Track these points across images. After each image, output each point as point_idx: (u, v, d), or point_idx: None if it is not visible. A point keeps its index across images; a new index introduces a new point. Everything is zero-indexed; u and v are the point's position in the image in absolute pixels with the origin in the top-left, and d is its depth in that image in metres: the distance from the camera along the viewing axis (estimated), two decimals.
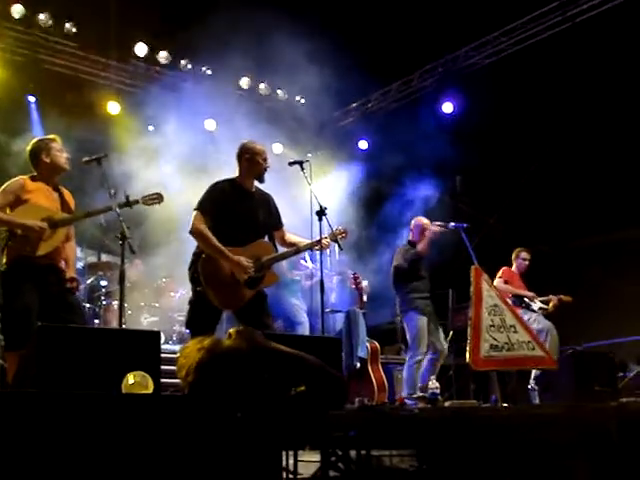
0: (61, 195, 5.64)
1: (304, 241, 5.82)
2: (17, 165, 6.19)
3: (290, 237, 5.80)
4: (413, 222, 8.03)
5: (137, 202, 5.59)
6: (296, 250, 5.76)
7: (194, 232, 5.34)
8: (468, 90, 10.66)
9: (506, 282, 8.63)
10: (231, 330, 2.96)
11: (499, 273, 8.71)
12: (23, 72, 9.56)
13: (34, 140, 5.66)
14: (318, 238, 5.75)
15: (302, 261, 9.84)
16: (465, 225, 7.47)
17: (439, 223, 7.66)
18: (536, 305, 8.50)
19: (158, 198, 5.76)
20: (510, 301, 8.38)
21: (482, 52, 10.70)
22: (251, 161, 5.55)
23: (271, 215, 5.69)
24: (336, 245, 6.04)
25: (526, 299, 8.51)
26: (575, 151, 9.77)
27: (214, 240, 5.27)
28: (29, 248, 5.24)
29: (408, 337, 7.67)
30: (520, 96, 9.74)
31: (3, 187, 5.37)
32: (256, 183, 5.67)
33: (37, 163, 5.53)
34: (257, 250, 5.43)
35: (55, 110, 9.22)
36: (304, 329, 8.72)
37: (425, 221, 7.89)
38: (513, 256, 8.97)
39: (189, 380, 2.77)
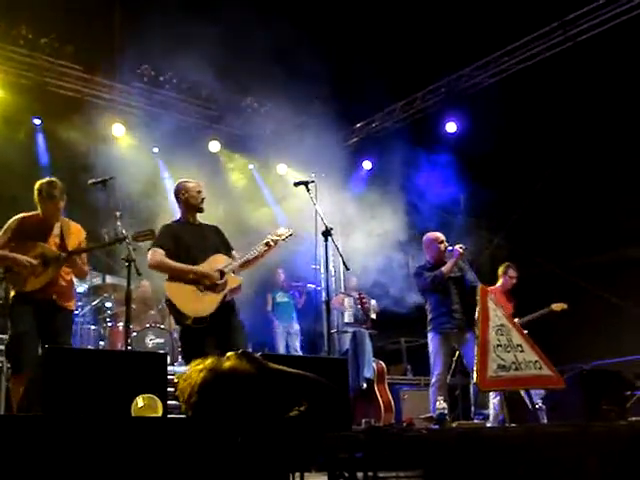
0: (63, 231, 5.80)
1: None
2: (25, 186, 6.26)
3: (235, 254, 6.15)
4: (426, 239, 7.90)
5: (125, 239, 5.68)
6: (249, 257, 6.06)
7: (153, 264, 5.76)
8: (471, 110, 10.68)
9: None
10: (229, 353, 2.96)
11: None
12: (29, 95, 9.61)
13: (38, 183, 5.80)
14: (265, 240, 6.10)
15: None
16: (466, 246, 7.44)
17: (461, 245, 7.52)
18: None
19: (150, 235, 5.84)
20: None
21: (485, 72, 10.76)
22: (188, 198, 5.99)
23: (222, 242, 6.13)
24: (342, 265, 6.08)
25: None
26: (579, 169, 9.76)
27: (173, 263, 5.67)
28: (21, 283, 5.49)
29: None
30: (523, 115, 9.76)
31: (5, 226, 5.66)
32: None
33: (37, 202, 5.75)
34: (214, 262, 5.83)
35: (60, 132, 9.28)
36: None
37: (439, 236, 7.80)
38: (500, 272, 8.76)
39: (192, 401, 2.76)
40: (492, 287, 8.56)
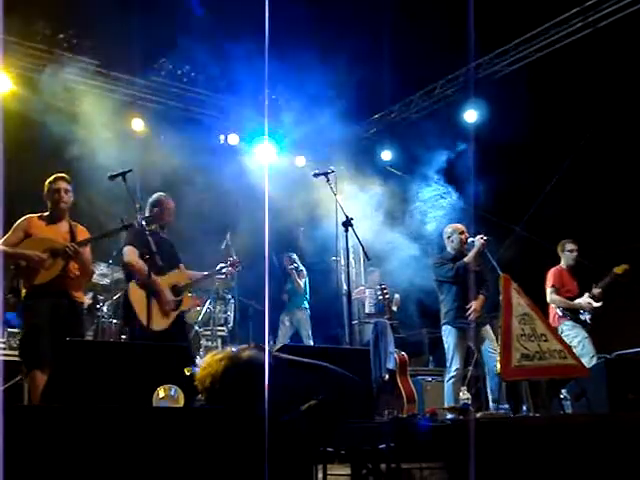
0: (72, 228, 5.99)
1: (200, 274, 6.84)
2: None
3: (188, 273, 6.73)
4: (447, 229, 7.86)
5: (130, 225, 5.91)
6: (205, 275, 6.87)
7: (128, 263, 6.23)
8: (491, 98, 10.59)
9: (559, 290, 8.30)
10: (244, 345, 2.96)
11: (548, 279, 8.40)
12: (46, 90, 9.62)
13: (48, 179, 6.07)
14: (219, 267, 6.86)
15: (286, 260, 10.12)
16: (487, 237, 7.37)
17: (482, 236, 7.46)
18: (586, 315, 8.23)
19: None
20: (560, 312, 8.21)
21: (504, 60, 10.66)
22: (161, 213, 6.54)
23: (174, 255, 6.61)
24: (362, 255, 6.12)
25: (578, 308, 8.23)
26: (601, 158, 9.65)
27: (146, 270, 5.91)
28: (32, 277, 5.65)
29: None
30: (544, 103, 9.65)
31: (14, 226, 5.84)
32: None
33: (46, 200, 6.05)
34: (175, 278, 6.35)
35: (79, 127, 9.30)
36: None
37: (460, 227, 7.75)
38: (559, 249, 8.63)
39: (216, 389, 2.75)
40: (555, 267, 8.45)
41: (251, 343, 3.07)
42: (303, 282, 10.63)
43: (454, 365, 7.30)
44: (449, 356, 7.37)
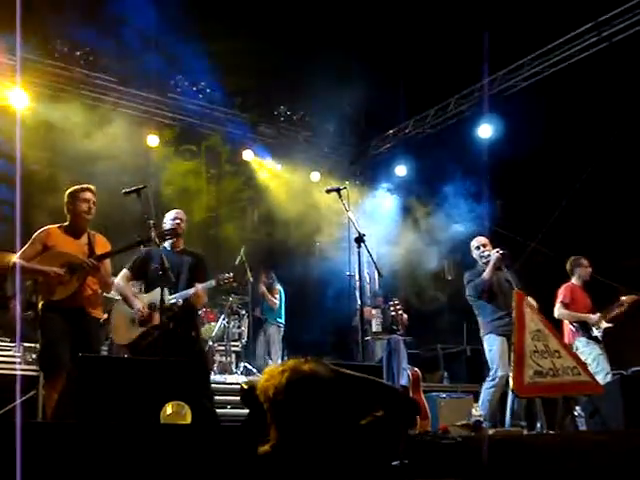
0: (90, 240, 5.86)
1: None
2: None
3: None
4: (471, 243, 7.81)
5: (149, 240, 5.78)
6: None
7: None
8: (505, 114, 10.59)
9: (567, 305, 8.16)
10: (304, 358, 2.99)
11: (560, 293, 8.27)
12: (65, 106, 9.74)
13: (70, 188, 5.95)
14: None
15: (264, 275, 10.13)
16: (503, 251, 7.32)
17: (498, 250, 7.41)
18: (598, 331, 8.11)
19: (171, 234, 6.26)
20: (573, 328, 8.13)
21: (518, 75, 10.66)
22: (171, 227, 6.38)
23: (189, 271, 6.43)
24: (376, 272, 6.09)
25: (588, 324, 8.10)
26: (616, 172, 9.61)
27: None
28: (50, 292, 5.57)
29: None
30: (558, 118, 9.63)
31: (32, 238, 5.73)
32: None
33: (67, 210, 5.90)
34: (152, 296, 6.15)
35: (96, 144, 9.40)
36: None
37: (482, 239, 7.71)
38: (570, 266, 8.47)
39: (279, 399, 2.77)
40: (567, 283, 8.36)
41: (308, 357, 3.09)
42: (277, 299, 10.61)
43: (500, 372, 7.09)
44: (494, 362, 7.17)
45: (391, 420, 2.90)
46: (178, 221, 6.40)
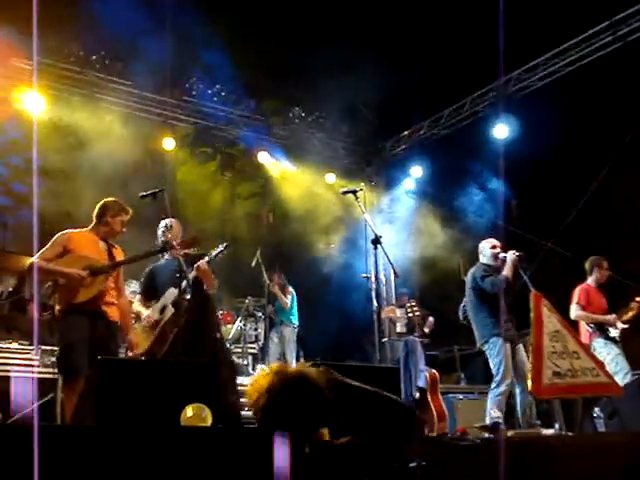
0: (109, 248, 5.89)
1: None
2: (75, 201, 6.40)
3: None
4: (481, 245, 7.75)
5: (167, 247, 5.84)
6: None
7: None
8: (521, 113, 10.56)
9: (584, 307, 8.06)
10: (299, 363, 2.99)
11: (575, 295, 8.17)
12: (80, 111, 9.80)
13: (111, 199, 5.94)
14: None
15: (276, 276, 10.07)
16: (520, 253, 7.27)
17: (515, 252, 7.34)
18: (615, 331, 8.05)
19: (194, 242, 6.20)
20: (590, 329, 8.06)
21: (534, 74, 10.63)
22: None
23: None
24: (392, 273, 6.06)
25: (605, 325, 8.04)
26: (633, 171, 9.56)
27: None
28: (71, 295, 5.56)
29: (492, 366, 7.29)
30: (574, 117, 9.59)
31: (52, 240, 5.71)
32: None
33: (99, 218, 5.86)
34: (164, 299, 6.22)
35: (112, 148, 9.45)
36: None
37: (493, 241, 7.66)
38: (589, 266, 8.37)
39: (261, 403, 2.76)
40: (582, 285, 8.28)
41: (317, 361, 3.08)
42: (289, 299, 10.60)
43: (506, 380, 6.96)
44: (500, 369, 6.98)
45: (389, 434, 2.88)
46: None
